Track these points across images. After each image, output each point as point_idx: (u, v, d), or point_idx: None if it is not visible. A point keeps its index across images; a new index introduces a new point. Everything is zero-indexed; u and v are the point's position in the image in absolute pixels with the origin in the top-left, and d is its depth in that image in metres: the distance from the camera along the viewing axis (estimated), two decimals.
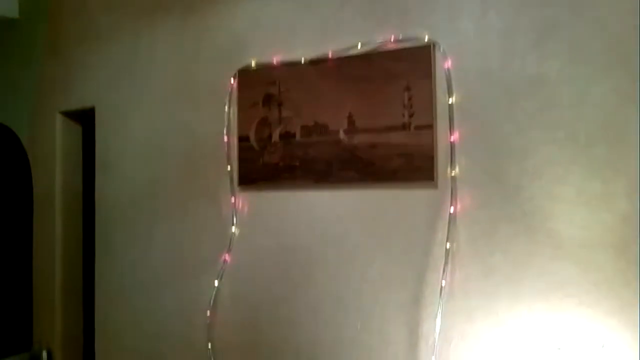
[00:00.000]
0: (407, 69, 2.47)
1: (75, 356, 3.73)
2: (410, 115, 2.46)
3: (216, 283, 2.94)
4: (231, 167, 2.95)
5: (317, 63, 2.70)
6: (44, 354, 3.57)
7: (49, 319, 3.76)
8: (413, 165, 2.44)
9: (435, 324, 2.35)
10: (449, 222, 2.34)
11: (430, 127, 2.41)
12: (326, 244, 2.67)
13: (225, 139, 2.96)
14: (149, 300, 3.24)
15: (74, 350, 3.73)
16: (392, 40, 2.49)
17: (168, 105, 3.24)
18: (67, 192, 3.81)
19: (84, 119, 3.78)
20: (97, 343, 3.47)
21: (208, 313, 2.96)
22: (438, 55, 2.39)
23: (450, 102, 2.36)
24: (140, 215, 3.33)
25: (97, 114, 3.56)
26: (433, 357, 2.35)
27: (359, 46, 2.57)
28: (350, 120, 2.60)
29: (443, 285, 2.34)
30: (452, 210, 2.34)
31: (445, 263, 2.34)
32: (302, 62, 2.72)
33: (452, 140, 2.35)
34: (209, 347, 2.95)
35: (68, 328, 3.77)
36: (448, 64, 2.37)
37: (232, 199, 2.93)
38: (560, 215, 2.13)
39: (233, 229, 2.92)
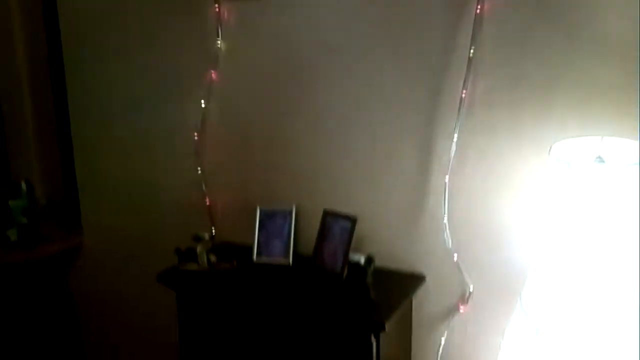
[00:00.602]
0: None
1: (55, 186, 3.54)
2: None
3: (203, 103, 2.64)
4: None
5: None
6: (23, 185, 3.38)
7: (24, 151, 3.52)
8: None
9: (451, 141, 2.11)
10: (474, 24, 2.00)
11: None
12: (327, 54, 2.34)
13: None
14: (130, 125, 2.95)
15: (54, 180, 3.54)
16: None
17: None
18: (25, 11, 3.35)
19: None
20: (77, 173, 3.25)
21: (195, 135, 2.69)
22: None
23: None
24: (111, 31, 2.91)
25: None
26: (447, 178, 2.15)
27: None
28: None
29: (463, 97, 2.07)
30: (478, 9, 1.99)
31: (467, 72, 2.04)
32: None
33: None
34: (199, 171, 2.73)
35: (44, 159, 3.54)
36: None
37: (216, 8, 2.53)
38: (609, 8, 1.80)
39: (219, 42, 2.56)
